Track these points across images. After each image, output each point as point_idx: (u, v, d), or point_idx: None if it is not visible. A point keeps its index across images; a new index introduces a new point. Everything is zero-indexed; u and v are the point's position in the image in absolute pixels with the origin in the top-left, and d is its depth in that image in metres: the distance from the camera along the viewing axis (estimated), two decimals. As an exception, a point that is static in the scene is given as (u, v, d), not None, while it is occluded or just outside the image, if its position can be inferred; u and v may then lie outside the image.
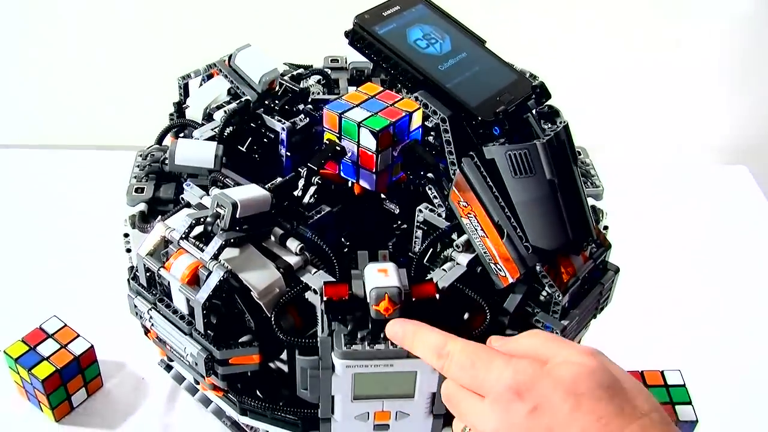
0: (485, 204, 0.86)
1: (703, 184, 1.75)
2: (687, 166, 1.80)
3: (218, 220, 0.88)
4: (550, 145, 0.83)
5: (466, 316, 0.93)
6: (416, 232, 0.98)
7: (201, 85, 1.19)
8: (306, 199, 0.98)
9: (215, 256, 0.86)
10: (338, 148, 0.98)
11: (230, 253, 0.88)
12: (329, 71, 1.26)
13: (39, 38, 1.92)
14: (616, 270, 0.97)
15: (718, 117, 1.90)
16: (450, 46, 0.91)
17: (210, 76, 1.19)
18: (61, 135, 1.92)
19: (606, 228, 1.06)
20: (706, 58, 1.84)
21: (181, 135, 1.15)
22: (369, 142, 0.96)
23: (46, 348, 1.13)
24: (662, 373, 1.15)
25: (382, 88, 1.05)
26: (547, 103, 0.90)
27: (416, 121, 1.01)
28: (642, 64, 1.82)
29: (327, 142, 1.00)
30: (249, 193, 0.91)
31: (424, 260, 0.94)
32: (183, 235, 0.88)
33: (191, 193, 0.99)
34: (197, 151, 1.03)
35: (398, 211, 1.05)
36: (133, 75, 1.91)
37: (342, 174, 1.02)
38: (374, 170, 0.98)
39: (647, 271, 1.41)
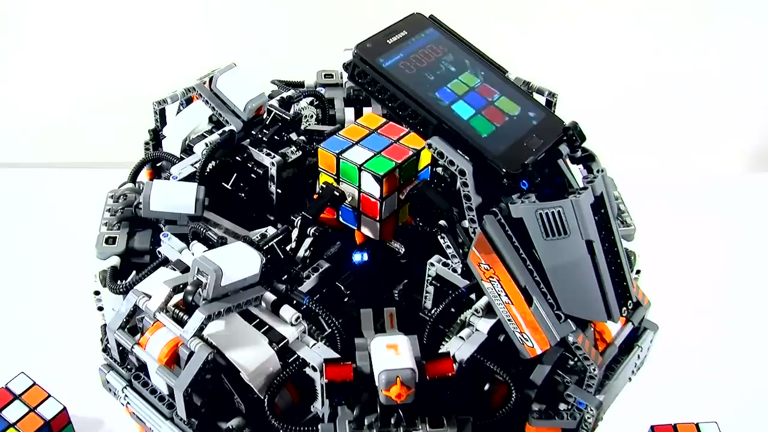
0: (510, 267, 0.74)
1: (733, 193, 1.63)
2: (715, 176, 1.70)
3: (200, 289, 0.75)
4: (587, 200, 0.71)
5: (486, 386, 0.81)
6: (427, 287, 0.86)
7: (179, 110, 1.06)
8: (301, 253, 0.85)
9: (198, 333, 0.74)
10: (336, 193, 0.86)
11: (215, 326, 0.76)
12: (323, 90, 1.13)
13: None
14: (655, 329, 0.86)
15: (745, 123, 1.78)
16: (467, 79, 0.79)
17: (189, 101, 1.06)
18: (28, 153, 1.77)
19: (639, 272, 0.94)
20: (731, 63, 1.73)
21: (158, 165, 1.02)
22: (372, 187, 0.84)
23: (13, 412, 1.02)
24: (697, 425, 1.05)
25: (384, 120, 0.92)
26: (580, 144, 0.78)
27: (425, 159, 0.88)
28: (665, 71, 1.74)
29: (323, 186, 0.88)
30: (235, 255, 0.78)
31: (439, 323, 0.83)
32: (160, 308, 0.76)
33: (169, 245, 0.87)
34: (175, 195, 0.91)
35: (404, 250, 0.93)
36: (108, 89, 1.76)
37: (341, 220, 0.90)
38: (378, 218, 0.86)
39: (677, 311, 1.28)
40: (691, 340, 1.27)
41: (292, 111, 1.05)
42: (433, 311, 0.83)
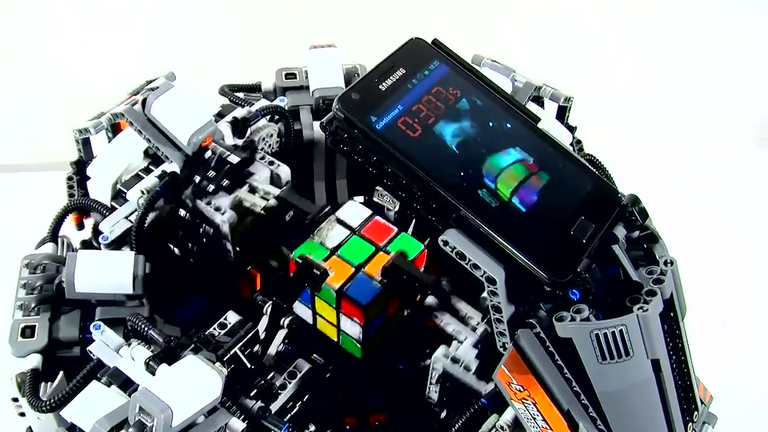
0: (552, 390, 0.57)
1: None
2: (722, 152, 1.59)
3: (145, 432, 0.57)
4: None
5: None
6: (432, 383, 0.69)
7: (110, 139, 0.85)
8: (273, 349, 0.67)
9: (146, 495, 0.56)
10: (316, 271, 0.67)
11: (169, 477, 0.58)
12: (284, 99, 0.92)
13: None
14: (714, 421, 0.70)
15: (752, 97, 1.69)
16: (492, 140, 0.59)
17: (116, 128, 0.84)
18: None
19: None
20: (739, 38, 1.64)
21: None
22: (354, 313, 0.66)
23: None
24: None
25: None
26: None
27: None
28: (670, 47, 1.64)
29: (299, 261, 0.69)
30: (187, 376, 0.60)
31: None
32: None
33: (102, 341, 0.67)
34: (107, 270, 0.72)
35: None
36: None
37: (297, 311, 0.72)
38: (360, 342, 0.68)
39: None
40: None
41: (249, 131, 0.84)
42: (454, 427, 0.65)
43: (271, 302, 0.66)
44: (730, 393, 0.90)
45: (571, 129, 0.91)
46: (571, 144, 0.88)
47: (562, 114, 0.91)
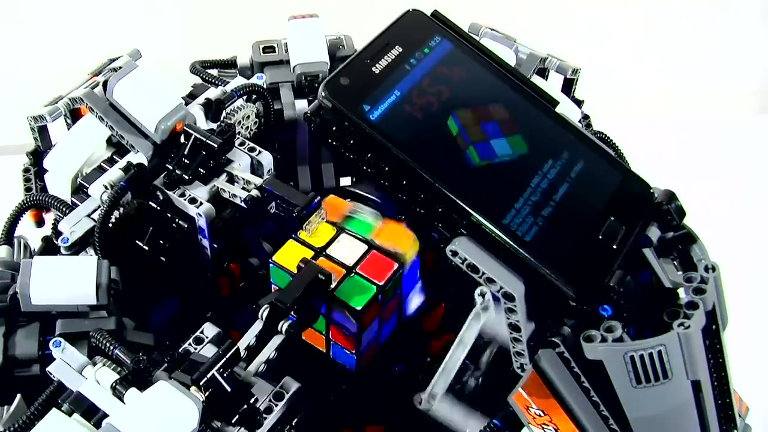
0: (576, 414, 0.50)
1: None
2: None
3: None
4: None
5: None
6: None
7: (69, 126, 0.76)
8: (255, 366, 0.59)
9: None
10: (321, 276, 0.59)
11: None
12: (262, 76, 0.83)
13: None
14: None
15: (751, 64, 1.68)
16: (506, 135, 0.51)
17: (76, 113, 0.75)
18: None
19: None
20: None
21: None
22: (347, 322, 0.58)
23: None
24: None
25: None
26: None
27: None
28: (670, 14, 1.62)
29: (301, 264, 0.60)
30: (159, 405, 0.53)
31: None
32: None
33: (63, 360, 0.60)
34: (67, 278, 0.63)
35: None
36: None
37: None
38: (354, 351, 0.60)
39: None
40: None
41: (225, 113, 0.76)
42: None
43: (268, 306, 0.58)
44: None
45: (578, 103, 0.84)
46: (579, 121, 0.81)
47: (568, 87, 0.83)
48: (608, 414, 0.50)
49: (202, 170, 0.70)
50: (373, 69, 0.50)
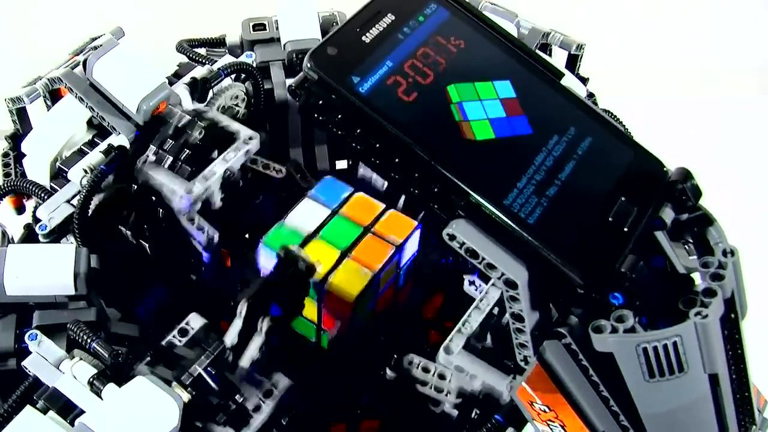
0: (584, 410, 0.47)
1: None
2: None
3: (87, 476, 0.46)
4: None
5: None
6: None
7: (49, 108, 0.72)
8: (246, 362, 0.56)
9: None
10: (302, 265, 0.56)
11: None
12: (251, 55, 0.80)
13: None
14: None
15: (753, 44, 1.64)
16: (505, 107, 0.47)
17: (55, 94, 0.72)
18: None
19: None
20: None
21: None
22: (339, 304, 0.55)
23: None
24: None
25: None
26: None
27: (411, 248, 0.60)
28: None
29: (280, 253, 0.57)
30: (137, 404, 0.49)
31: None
32: None
33: (39, 354, 0.56)
34: (43, 267, 0.60)
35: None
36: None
37: None
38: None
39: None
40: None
41: (211, 94, 0.73)
42: None
43: (246, 302, 0.55)
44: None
45: (584, 80, 0.80)
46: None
47: (572, 63, 0.79)
48: (618, 410, 0.46)
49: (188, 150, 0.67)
50: (363, 38, 0.46)
